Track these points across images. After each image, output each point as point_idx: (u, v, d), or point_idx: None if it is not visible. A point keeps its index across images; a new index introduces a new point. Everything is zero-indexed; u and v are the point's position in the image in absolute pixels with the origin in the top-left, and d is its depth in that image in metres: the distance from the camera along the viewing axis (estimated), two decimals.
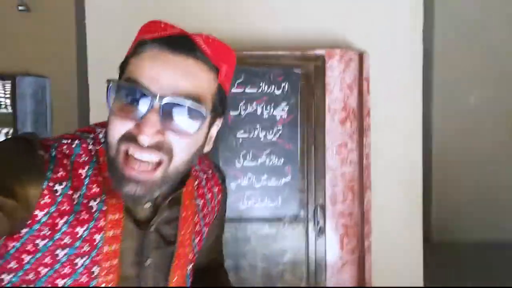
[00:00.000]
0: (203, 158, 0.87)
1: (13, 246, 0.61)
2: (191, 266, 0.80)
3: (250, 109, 2.15)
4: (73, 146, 0.65)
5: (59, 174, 0.62)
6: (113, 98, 0.61)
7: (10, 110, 2.91)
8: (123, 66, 0.65)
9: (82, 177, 0.64)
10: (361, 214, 2.30)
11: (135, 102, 0.59)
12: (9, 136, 0.72)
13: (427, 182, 4.05)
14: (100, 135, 0.69)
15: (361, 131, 2.27)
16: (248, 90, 2.14)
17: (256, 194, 2.18)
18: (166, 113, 0.59)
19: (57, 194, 0.61)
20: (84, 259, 0.64)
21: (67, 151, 0.64)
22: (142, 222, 0.71)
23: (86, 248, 0.64)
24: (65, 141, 0.65)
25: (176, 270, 0.76)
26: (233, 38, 2.23)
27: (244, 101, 2.14)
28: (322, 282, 2.24)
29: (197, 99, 0.61)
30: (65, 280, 0.63)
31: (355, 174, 2.27)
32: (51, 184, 0.61)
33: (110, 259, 0.66)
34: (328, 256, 2.23)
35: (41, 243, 0.61)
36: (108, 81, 0.62)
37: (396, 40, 2.31)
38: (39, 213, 0.60)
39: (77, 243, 0.63)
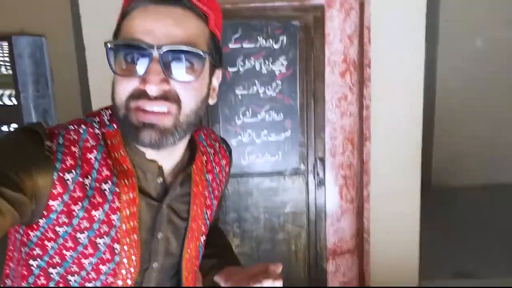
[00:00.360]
0: (210, 132, 0.88)
1: (35, 235, 0.63)
2: (203, 237, 0.82)
3: (248, 64, 2.11)
4: (80, 131, 0.66)
5: (68, 163, 0.62)
6: (113, 60, 0.62)
7: (9, 71, 2.88)
8: (117, 33, 0.65)
9: (92, 161, 0.65)
10: (360, 165, 2.32)
11: (135, 58, 0.60)
12: (15, 127, 0.70)
13: (428, 130, 4.04)
14: (105, 118, 0.69)
15: (362, 82, 2.24)
16: (245, 45, 2.08)
17: (257, 150, 2.20)
18: (167, 62, 0.60)
19: (69, 182, 0.62)
20: (104, 238, 0.66)
21: (75, 137, 0.65)
22: (155, 200, 0.72)
23: (104, 228, 0.66)
24: (71, 127, 0.66)
25: (190, 243, 0.78)
26: None
27: (242, 57, 2.09)
28: (322, 231, 2.32)
29: (193, 44, 0.61)
30: (90, 259, 0.66)
31: (355, 126, 2.27)
32: (61, 174, 0.62)
33: (130, 234, 0.68)
34: (327, 206, 2.30)
35: (61, 230, 0.63)
36: (105, 43, 0.62)
37: None
38: (53, 203, 0.61)
39: (95, 225, 0.65)
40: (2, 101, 2.94)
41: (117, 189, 0.66)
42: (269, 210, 2.28)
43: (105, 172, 0.66)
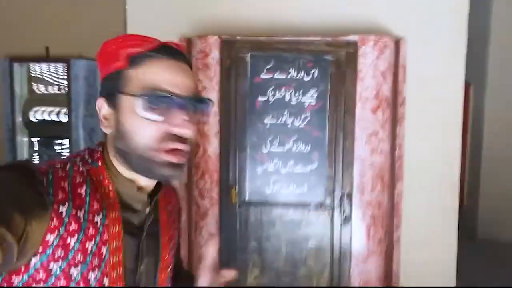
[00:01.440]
0: None
1: (20, 280, 0.62)
2: (170, 268, 0.84)
3: (278, 95, 2.10)
4: (67, 169, 0.69)
5: (60, 197, 0.64)
6: (128, 105, 0.67)
7: (65, 91, 3.08)
8: (119, 79, 0.69)
9: (83, 196, 0.67)
10: (390, 205, 2.18)
11: (162, 106, 0.66)
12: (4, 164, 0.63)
13: (475, 178, 3.76)
14: (86, 156, 0.72)
15: (394, 120, 2.14)
16: (277, 76, 2.09)
17: (282, 180, 2.14)
18: (191, 109, 0.69)
19: (63, 215, 0.64)
20: (96, 272, 0.67)
21: (63, 174, 0.67)
22: (136, 230, 0.74)
23: (96, 262, 0.67)
24: (58, 166, 0.69)
25: (162, 274, 0.80)
26: (264, 24, 2.17)
27: (272, 87, 2.09)
28: (346, 270, 2.17)
29: (200, 94, 0.72)
30: None
31: (386, 164, 2.15)
32: (55, 206, 0.63)
33: (116, 268, 0.69)
34: (353, 245, 2.15)
35: (55, 266, 0.63)
36: (139, 95, 0.67)
37: (437, 25, 2.12)
38: (50, 236, 0.62)
39: (88, 258, 0.66)
40: (57, 117, 3.14)
41: (106, 222, 0.68)
42: (291, 243, 2.18)
43: (96, 206, 0.68)
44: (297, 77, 2.07)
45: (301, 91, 2.08)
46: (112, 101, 0.70)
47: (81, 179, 0.68)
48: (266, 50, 2.05)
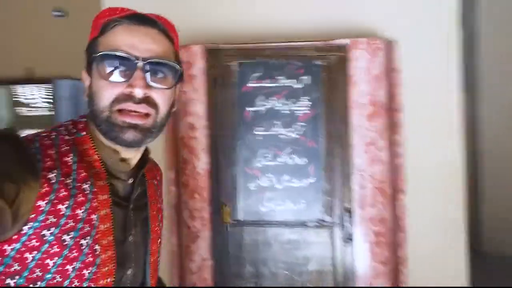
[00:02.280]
0: None
1: (13, 249, 0.61)
2: (159, 240, 0.84)
3: (269, 104, 1.92)
4: (52, 137, 0.68)
5: (48, 164, 0.64)
6: (98, 70, 0.68)
7: (50, 112, 2.91)
8: (92, 47, 0.70)
9: (69, 163, 0.67)
10: (393, 219, 1.97)
11: (121, 67, 0.67)
12: None
13: (475, 186, 3.57)
14: (70, 127, 0.72)
15: (392, 127, 1.97)
16: (266, 84, 1.91)
17: (277, 196, 1.93)
18: (149, 71, 0.68)
19: (52, 181, 0.63)
20: (87, 239, 0.66)
21: (49, 142, 0.67)
22: (123, 201, 0.75)
23: (87, 228, 0.66)
24: (43, 134, 0.68)
25: (152, 246, 0.81)
26: (250, 30, 2.02)
27: (262, 96, 1.92)
28: None
29: (167, 59, 0.70)
30: (74, 264, 0.65)
31: (387, 175, 1.96)
32: (44, 173, 0.63)
33: (107, 236, 0.69)
34: (357, 266, 1.92)
35: (47, 233, 0.62)
36: (90, 52, 0.70)
37: (430, 25, 1.99)
38: (41, 203, 0.61)
39: (79, 225, 0.65)
40: None
41: (95, 189, 0.68)
42: (290, 266, 1.94)
43: (83, 174, 0.67)
44: (288, 85, 1.91)
45: (293, 99, 1.91)
46: (88, 67, 0.71)
47: (67, 148, 0.68)
48: (254, 57, 1.89)
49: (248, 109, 1.92)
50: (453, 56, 1.99)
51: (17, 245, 0.61)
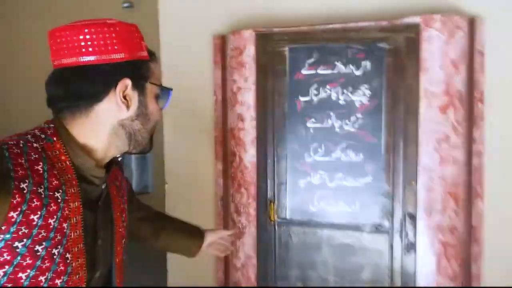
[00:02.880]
0: None
1: None
2: (123, 240, 0.84)
3: (323, 93, 1.70)
4: (21, 145, 0.66)
5: (19, 173, 0.62)
6: (151, 93, 0.78)
7: None
8: (145, 70, 0.76)
9: (40, 172, 0.65)
10: (467, 229, 1.66)
11: (167, 97, 0.81)
12: None
13: None
14: (38, 133, 0.70)
15: (470, 122, 1.64)
16: (321, 71, 1.70)
17: (329, 195, 1.72)
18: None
19: (25, 191, 0.62)
20: (59, 248, 0.66)
21: (18, 150, 0.65)
22: (92, 205, 0.74)
23: (58, 237, 0.66)
24: (11, 143, 0.66)
25: (117, 246, 0.81)
26: (303, 11, 1.80)
27: (316, 85, 1.71)
28: None
29: None
30: (46, 275, 0.64)
31: (460, 178, 1.64)
32: (16, 183, 0.61)
33: (78, 243, 0.69)
34: (418, 279, 1.65)
35: (19, 244, 0.61)
36: (142, 73, 0.76)
37: None
38: (13, 214, 0.60)
39: (51, 234, 0.65)
40: None
41: (66, 197, 0.68)
42: (341, 272, 1.74)
43: (55, 182, 0.66)
44: (346, 72, 1.67)
45: (351, 88, 1.67)
46: (138, 85, 0.74)
47: (37, 156, 0.67)
48: (307, 42, 1.68)
49: (300, 99, 1.72)
50: None
51: None
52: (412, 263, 1.67)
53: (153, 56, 0.78)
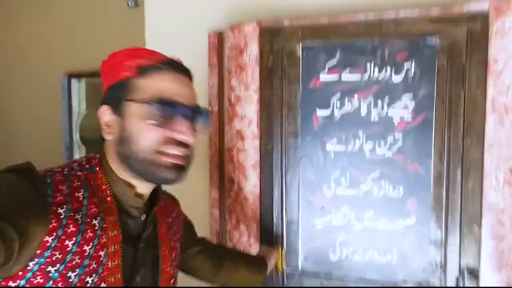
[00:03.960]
0: None
1: (17, 285, 0.59)
2: (172, 280, 0.81)
3: (348, 106, 1.24)
4: (65, 173, 0.67)
5: (58, 199, 0.63)
6: (136, 111, 0.68)
7: None
8: (127, 87, 0.70)
9: (80, 199, 0.65)
10: None
11: (173, 114, 0.69)
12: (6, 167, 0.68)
13: None
14: (84, 162, 0.72)
15: None
16: (346, 77, 1.23)
17: (356, 241, 1.26)
18: (195, 119, 0.73)
19: (61, 217, 0.62)
20: (93, 276, 0.64)
21: (61, 178, 0.66)
22: (133, 239, 0.72)
23: (93, 265, 0.64)
24: (56, 170, 0.67)
25: (163, 286, 0.78)
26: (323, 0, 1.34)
27: (339, 95, 1.24)
28: None
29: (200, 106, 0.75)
30: None
31: None
32: (54, 208, 0.61)
33: (115, 273, 0.67)
34: None
35: (53, 269, 0.61)
36: (123, 92, 0.70)
37: None
38: (48, 239, 0.60)
39: (86, 262, 0.64)
40: None
41: (104, 225, 0.67)
42: None
43: (93, 209, 0.66)
44: (380, 78, 1.20)
45: (388, 98, 1.20)
46: (117, 108, 0.70)
47: (79, 183, 0.68)
48: (328, 37, 1.22)
49: (317, 113, 1.26)
50: None
51: (22, 282, 0.59)
52: None
53: (144, 70, 0.70)
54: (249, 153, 1.36)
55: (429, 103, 1.17)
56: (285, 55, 1.30)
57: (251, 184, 1.36)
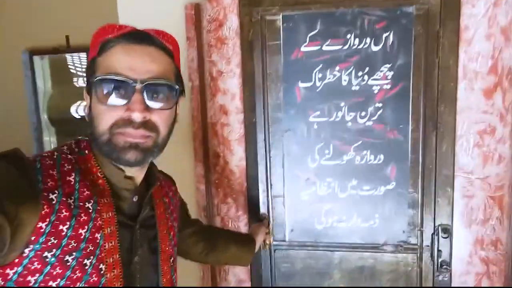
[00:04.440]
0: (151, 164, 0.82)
1: (15, 272, 0.59)
2: (172, 259, 0.81)
3: (330, 77, 1.26)
4: (54, 157, 0.66)
5: (49, 184, 0.62)
6: (97, 93, 0.65)
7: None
8: (92, 68, 0.67)
9: (72, 183, 0.64)
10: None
11: (118, 91, 0.64)
12: None
13: None
14: (73, 146, 0.70)
15: None
16: (327, 47, 1.24)
17: (341, 209, 1.32)
18: (148, 93, 0.65)
19: (53, 202, 0.61)
20: (91, 258, 0.64)
21: (51, 162, 0.65)
22: (129, 221, 0.71)
23: (90, 247, 0.64)
24: (45, 155, 0.66)
25: (164, 265, 0.77)
26: None
27: (321, 65, 1.25)
28: None
29: (167, 78, 0.67)
30: (78, 285, 0.63)
31: (507, 180, 1.24)
32: (45, 194, 0.60)
33: (112, 254, 0.67)
34: None
35: (49, 254, 0.60)
36: (92, 78, 0.65)
37: None
38: (42, 225, 0.59)
39: (82, 245, 0.63)
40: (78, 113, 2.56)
41: (98, 207, 0.66)
42: None
43: (86, 192, 0.65)
44: (361, 47, 1.22)
45: (368, 68, 1.22)
46: (88, 87, 0.68)
47: (70, 167, 0.66)
48: (308, 7, 1.21)
49: (300, 85, 1.27)
50: None
51: (19, 269, 0.59)
52: (446, 285, 1.29)
53: (103, 48, 0.66)
54: (233, 128, 1.35)
55: (407, 72, 1.21)
56: (265, 27, 1.28)
57: (237, 158, 1.37)
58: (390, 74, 1.22)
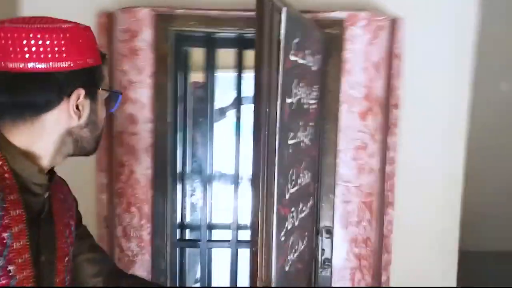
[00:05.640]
0: None
1: None
2: (66, 259, 0.77)
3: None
4: None
5: None
6: (101, 98, 0.75)
7: None
8: (99, 74, 0.72)
9: None
10: (379, 239, 1.54)
11: (115, 99, 0.80)
12: None
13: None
14: None
15: (386, 128, 1.49)
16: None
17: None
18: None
19: None
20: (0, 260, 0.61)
21: None
22: (34, 218, 0.68)
23: None
24: None
25: (59, 263, 0.74)
26: None
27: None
28: None
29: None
30: None
31: (375, 187, 1.50)
32: None
33: (22, 254, 0.64)
34: None
35: None
36: (97, 79, 0.73)
37: (443, 4, 1.50)
38: None
39: None
40: None
41: (5, 205, 0.62)
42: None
43: None
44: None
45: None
46: (91, 93, 0.71)
47: None
48: (221, 26, 1.32)
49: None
50: (467, 40, 1.51)
51: None
52: (328, 279, 1.49)
53: (103, 58, 0.73)
54: (141, 135, 1.38)
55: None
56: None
57: (143, 167, 1.39)
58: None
